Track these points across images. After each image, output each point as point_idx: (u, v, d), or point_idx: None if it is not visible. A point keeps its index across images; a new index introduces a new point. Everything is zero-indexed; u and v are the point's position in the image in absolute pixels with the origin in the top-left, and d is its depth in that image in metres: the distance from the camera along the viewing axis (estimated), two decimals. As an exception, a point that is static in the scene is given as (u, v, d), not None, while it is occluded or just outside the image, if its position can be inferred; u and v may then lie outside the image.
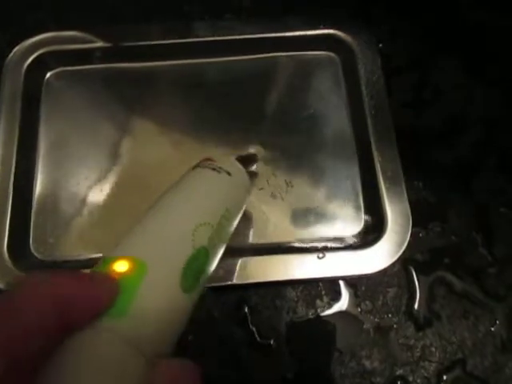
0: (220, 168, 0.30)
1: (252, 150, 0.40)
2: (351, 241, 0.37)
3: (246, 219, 0.37)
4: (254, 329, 0.35)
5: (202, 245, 0.25)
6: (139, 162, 0.39)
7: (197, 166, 0.30)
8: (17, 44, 0.41)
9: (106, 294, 0.19)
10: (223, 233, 0.27)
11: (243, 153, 0.38)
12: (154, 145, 0.40)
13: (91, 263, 0.34)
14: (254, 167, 0.38)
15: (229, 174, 0.30)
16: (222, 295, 0.35)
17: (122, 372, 0.18)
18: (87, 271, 0.23)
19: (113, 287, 0.20)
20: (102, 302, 0.19)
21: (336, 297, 0.36)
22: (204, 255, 0.25)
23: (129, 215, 0.37)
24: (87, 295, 0.19)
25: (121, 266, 0.21)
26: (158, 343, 0.21)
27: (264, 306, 0.35)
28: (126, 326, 0.19)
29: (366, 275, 0.35)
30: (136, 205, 0.37)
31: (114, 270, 0.21)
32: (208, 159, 0.31)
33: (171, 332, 0.22)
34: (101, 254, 0.36)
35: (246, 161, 0.35)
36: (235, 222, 0.30)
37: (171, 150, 0.40)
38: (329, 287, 0.36)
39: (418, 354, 0.34)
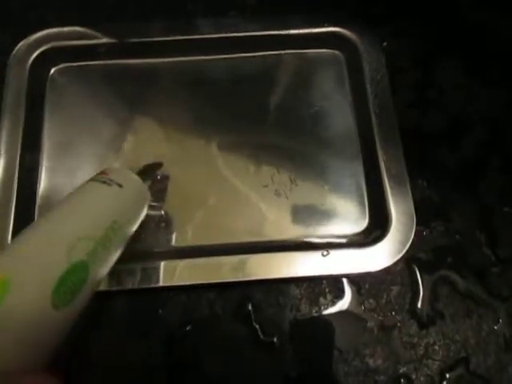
0: (111, 180, 0.30)
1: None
2: (355, 239, 0.37)
3: (249, 216, 0.37)
4: (257, 326, 0.35)
5: (79, 259, 0.25)
6: (139, 159, 0.39)
7: (90, 179, 0.31)
8: (21, 40, 0.41)
9: None
10: (112, 244, 0.28)
11: (148, 162, 0.38)
12: (155, 142, 0.40)
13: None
14: (162, 174, 0.38)
15: (120, 185, 0.30)
16: (226, 292, 0.35)
17: None
18: None
19: None
20: None
21: (339, 295, 0.36)
22: (82, 269, 0.25)
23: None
24: None
25: None
26: (22, 360, 0.21)
27: (267, 304, 0.35)
28: None
29: (369, 273, 0.35)
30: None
31: None
32: (102, 172, 0.31)
33: (40, 349, 0.23)
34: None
35: (148, 170, 0.36)
36: (129, 231, 0.31)
37: (173, 148, 0.40)
38: (332, 285, 0.36)
39: (422, 353, 0.34)
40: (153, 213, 0.36)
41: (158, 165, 0.38)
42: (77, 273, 0.24)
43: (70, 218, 0.27)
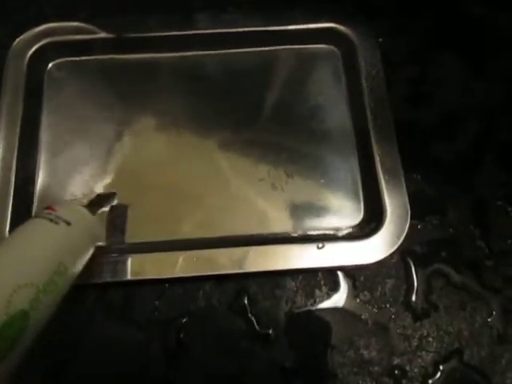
0: (58, 218, 0.28)
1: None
2: (350, 232, 0.37)
3: (246, 210, 0.38)
4: (253, 318, 0.35)
5: (19, 308, 0.23)
6: (137, 156, 0.39)
7: (36, 215, 0.29)
8: (19, 35, 0.41)
9: None
10: (57, 288, 0.26)
11: (100, 193, 0.37)
12: (152, 138, 0.40)
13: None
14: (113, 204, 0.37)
15: (68, 223, 0.28)
16: (222, 284, 0.35)
17: None
18: None
19: None
20: None
21: (335, 287, 0.36)
22: (22, 319, 0.23)
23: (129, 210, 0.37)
24: None
25: None
26: None
27: (263, 296, 0.35)
28: None
29: (364, 266, 0.35)
30: (135, 199, 0.38)
31: None
32: (49, 207, 0.29)
33: None
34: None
35: (101, 201, 0.35)
36: (76, 271, 0.29)
37: (171, 144, 0.40)
38: (328, 277, 0.36)
39: (416, 344, 0.35)
40: (114, 244, 0.35)
41: (112, 194, 0.37)
42: (15, 324, 0.23)
43: (11, 264, 0.25)
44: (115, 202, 0.37)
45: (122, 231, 0.36)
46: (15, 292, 0.23)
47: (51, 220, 0.28)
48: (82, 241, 0.30)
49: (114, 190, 0.37)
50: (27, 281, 0.24)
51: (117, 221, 0.35)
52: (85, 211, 0.31)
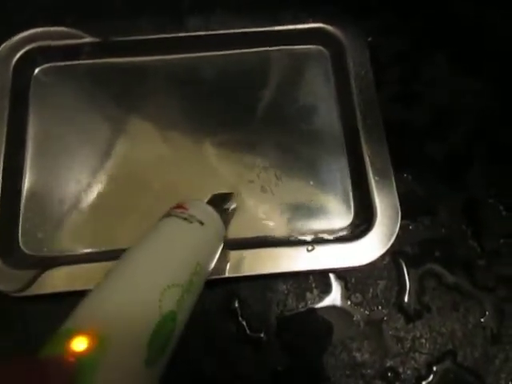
0: (192, 217, 0.28)
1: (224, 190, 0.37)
2: (341, 233, 0.37)
3: (237, 212, 0.37)
4: (244, 322, 0.35)
5: (169, 309, 0.23)
6: (129, 158, 0.39)
7: (168, 214, 0.28)
8: (5, 40, 0.40)
9: None
10: (193, 290, 0.25)
11: (218, 192, 0.36)
12: (145, 141, 0.40)
13: (80, 259, 0.35)
14: (232, 206, 0.36)
15: (201, 223, 0.28)
16: (212, 288, 0.35)
17: None
18: (36, 357, 0.19)
19: (69, 374, 0.18)
20: None
21: (326, 289, 0.36)
22: (171, 320, 0.23)
23: (119, 211, 0.37)
24: None
25: (78, 344, 0.19)
26: None
27: (254, 300, 0.35)
28: None
29: (356, 268, 0.35)
30: (126, 201, 0.37)
31: (70, 349, 0.19)
32: (180, 206, 0.29)
33: None
34: (90, 250, 0.36)
35: (221, 201, 0.34)
36: (208, 272, 0.28)
37: (163, 147, 0.40)
38: (319, 280, 0.36)
39: (409, 346, 0.34)
40: None
41: (230, 195, 0.36)
42: (167, 325, 0.22)
43: (159, 263, 0.25)
44: (233, 203, 0.36)
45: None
46: (165, 291, 0.23)
47: (185, 219, 0.28)
48: (214, 241, 0.30)
49: (231, 191, 0.36)
50: (174, 281, 0.24)
51: (224, 221, 0.33)
52: (213, 211, 0.30)
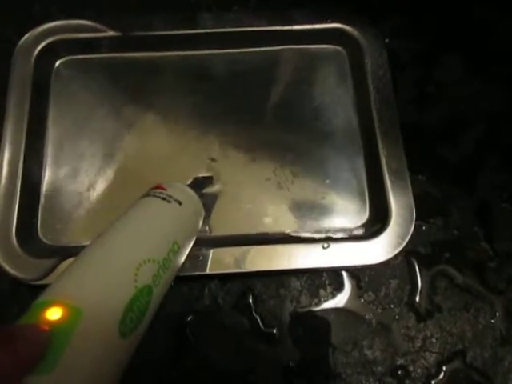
0: (170, 197, 0.29)
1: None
2: (355, 232, 0.37)
3: (251, 209, 0.38)
4: (257, 317, 0.35)
5: (145, 283, 0.24)
6: (142, 152, 0.40)
7: (146, 194, 0.29)
8: (27, 32, 0.41)
9: (32, 352, 0.18)
10: (170, 267, 0.26)
11: (198, 175, 0.37)
12: (156, 135, 0.40)
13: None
14: (214, 188, 0.37)
15: (179, 203, 0.29)
16: (227, 283, 0.36)
17: None
18: (9, 325, 0.20)
19: (41, 342, 0.19)
20: (27, 362, 0.18)
21: (339, 287, 0.36)
22: (147, 294, 0.24)
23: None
24: (8, 357, 0.17)
25: (53, 314, 0.20)
26: None
27: (268, 295, 0.36)
28: (55, 381, 0.19)
29: (369, 266, 0.36)
30: (139, 195, 0.38)
31: (45, 318, 0.20)
32: (158, 187, 0.30)
33: (106, 380, 0.21)
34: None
35: (201, 184, 0.35)
36: (186, 251, 0.29)
37: (174, 142, 0.40)
38: (332, 277, 0.36)
39: (419, 345, 0.35)
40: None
41: (209, 178, 0.37)
42: (142, 298, 0.23)
43: (136, 239, 0.26)
44: (212, 187, 0.37)
45: (208, 216, 0.36)
46: (141, 266, 0.24)
47: (164, 199, 0.28)
48: (192, 221, 0.30)
49: (211, 174, 0.37)
50: (150, 256, 0.25)
51: (205, 205, 0.34)
52: (192, 192, 0.31)
